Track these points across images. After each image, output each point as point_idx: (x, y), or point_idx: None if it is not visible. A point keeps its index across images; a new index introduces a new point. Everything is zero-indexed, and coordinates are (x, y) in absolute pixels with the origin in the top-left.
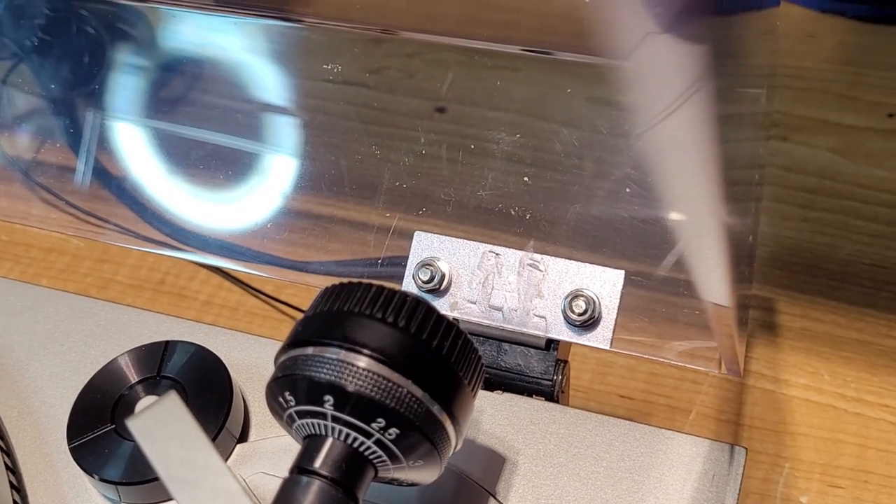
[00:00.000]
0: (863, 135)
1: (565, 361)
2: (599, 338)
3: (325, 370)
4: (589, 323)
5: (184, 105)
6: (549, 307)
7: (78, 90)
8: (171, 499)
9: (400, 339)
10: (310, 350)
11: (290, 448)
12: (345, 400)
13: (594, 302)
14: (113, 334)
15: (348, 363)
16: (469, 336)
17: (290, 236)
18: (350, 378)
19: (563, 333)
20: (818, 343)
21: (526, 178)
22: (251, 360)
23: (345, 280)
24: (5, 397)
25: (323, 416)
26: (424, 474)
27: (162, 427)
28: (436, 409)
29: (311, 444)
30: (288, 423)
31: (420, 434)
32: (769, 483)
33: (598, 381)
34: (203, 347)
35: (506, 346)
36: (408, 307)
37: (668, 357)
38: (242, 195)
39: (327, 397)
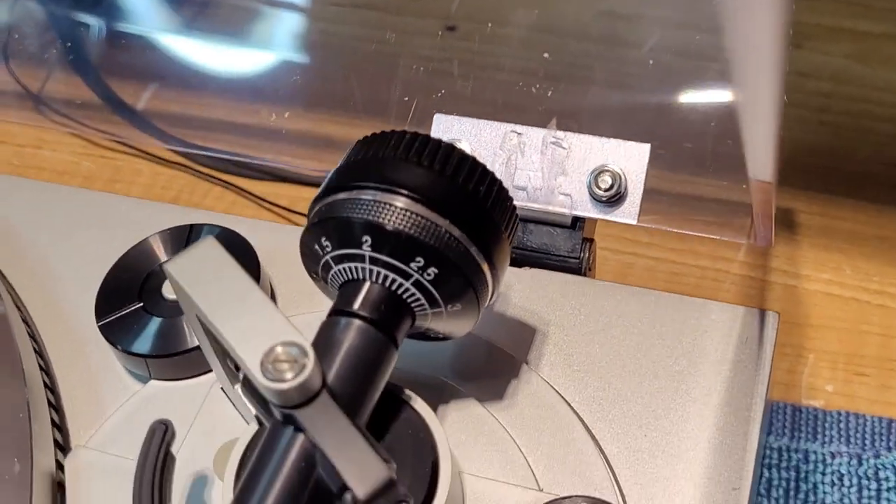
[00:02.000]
0: (878, 41)
1: (592, 240)
2: (626, 213)
3: (362, 210)
4: (615, 199)
5: (195, 17)
6: (574, 185)
7: (84, 8)
8: (199, 373)
9: (436, 181)
10: (345, 194)
11: (317, 324)
12: (383, 239)
13: (620, 177)
14: (138, 224)
15: (386, 203)
16: (503, 184)
17: (304, 151)
18: (388, 217)
19: (588, 210)
20: (839, 240)
21: (546, 55)
22: (275, 245)
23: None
24: (30, 286)
25: (361, 258)
26: (460, 323)
27: (201, 267)
28: (473, 249)
29: (348, 288)
30: (324, 273)
31: (459, 273)
32: (794, 374)
33: (618, 282)
34: (229, 229)
35: (531, 226)
36: (442, 152)
37: (697, 229)
38: (255, 108)
39: (365, 238)
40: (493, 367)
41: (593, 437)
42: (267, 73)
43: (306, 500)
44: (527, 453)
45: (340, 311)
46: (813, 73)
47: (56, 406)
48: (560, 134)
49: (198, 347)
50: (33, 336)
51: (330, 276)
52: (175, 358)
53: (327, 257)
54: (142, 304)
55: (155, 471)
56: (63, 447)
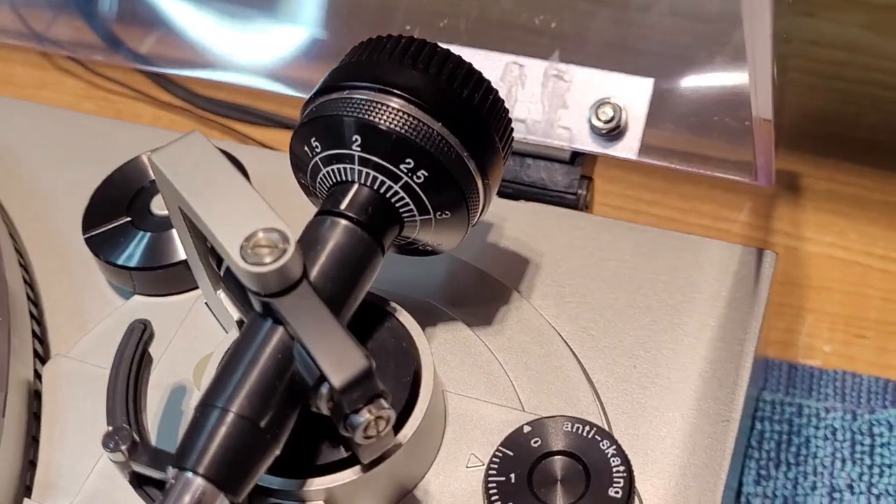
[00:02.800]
0: (892, 12)
1: (590, 178)
2: (626, 147)
3: (354, 109)
4: (615, 132)
5: None
6: (575, 118)
7: None
8: (183, 290)
9: (431, 84)
10: (337, 94)
11: None
12: (374, 139)
13: (621, 110)
14: (131, 147)
15: (379, 102)
16: (499, 94)
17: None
18: (381, 116)
19: (588, 144)
20: (844, 204)
21: None
22: (268, 170)
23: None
24: (19, 202)
25: (350, 158)
26: (449, 235)
27: (186, 157)
28: (465, 155)
29: (336, 190)
30: (312, 179)
31: (448, 178)
32: (792, 333)
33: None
34: (224, 150)
35: (529, 160)
36: (439, 56)
37: (698, 166)
38: (257, 38)
39: (355, 137)
40: (483, 294)
41: (581, 365)
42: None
43: (281, 392)
44: (512, 377)
45: (327, 211)
46: (825, 42)
47: (38, 319)
48: (562, 66)
49: (183, 261)
50: (19, 250)
51: (318, 179)
52: (160, 271)
53: (316, 159)
54: (129, 219)
55: (131, 366)
56: (43, 358)
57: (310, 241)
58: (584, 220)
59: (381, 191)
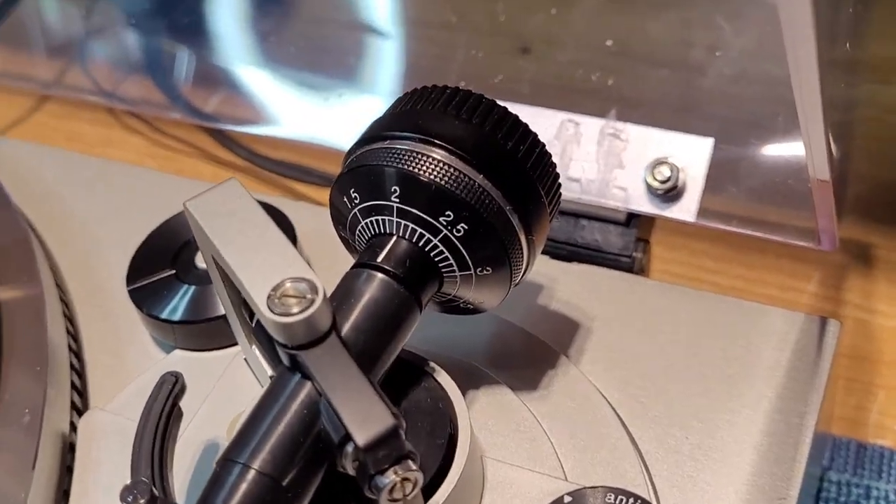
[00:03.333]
0: None
1: (647, 241)
2: (684, 209)
3: (394, 160)
4: (672, 193)
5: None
6: (631, 178)
7: (160, 20)
8: (224, 345)
9: (474, 135)
10: (379, 144)
11: None
12: (413, 190)
13: (679, 170)
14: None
15: (418, 152)
16: (546, 148)
17: None
18: (419, 166)
19: (644, 205)
20: None
21: (609, 42)
22: (315, 227)
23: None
24: (69, 252)
25: (389, 210)
26: (490, 292)
27: (221, 205)
28: (508, 209)
29: (374, 242)
30: (351, 230)
31: (489, 231)
32: (862, 410)
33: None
34: (269, 204)
35: (583, 221)
36: (483, 107)
37: (759, 230)
38: (328, 114)
39: (394, 188)
40: (529, 357)
41: (630, 435)
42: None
43: (306, 449)
44: (556, 445)
45: (363, 263)
46: None
47: (79, 371)
48: (619, 125)
49: (224, 316)
50: (64, 301)
51: (357, 232)
52: (201, 325)
53: (355, 210)
54: (174, 272)
55: (160, 420)
56: (80, 411)
57: (344, 293)
58: (638, 284)
59: (420, 244)
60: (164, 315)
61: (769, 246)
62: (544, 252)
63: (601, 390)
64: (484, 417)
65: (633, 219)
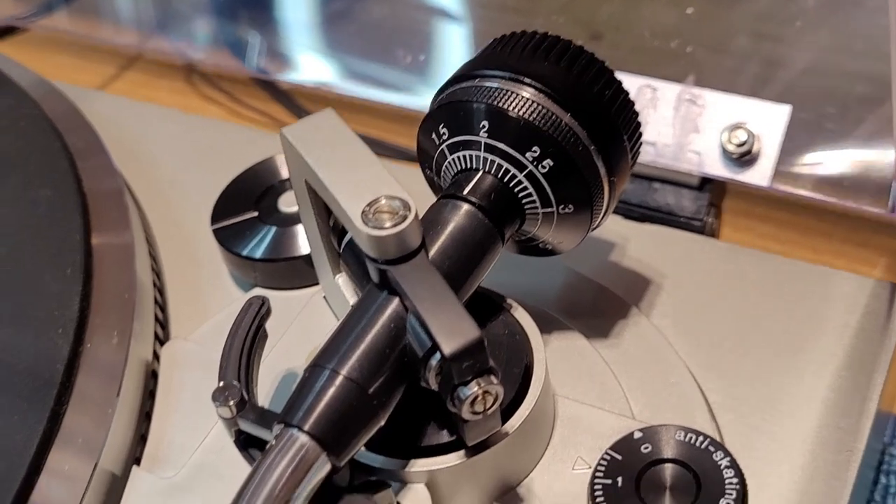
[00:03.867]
0: None
1: (718, 206)
2: (758, 174)
3: (484, 97)
4: (747, 158)
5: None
6: (706, 143)
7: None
8: (303, 285)
9: (563, 77)
10: (469, 83)
11: None
12: (501, 126)
13: (755, 136)
14: (263, 152)
15: (508, 90)
16: (630, 97)
17: None
18: (508, 103)
19: (719, 169)
20: None
21: (689, 10)
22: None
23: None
24: (153, 197)
25: (476, 145)
26: (570, 232)
27: (317, 132)
28: (593, 149)
29: (460, 177)
30: (437, 166)
31: (574, 169)
32: None
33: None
34: None
35: (657, 184)
36: (572, 52)
37: (831, 195)
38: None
39: (483, 123)
40: (600, 307)
41: (698, 384)
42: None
43: (392, 361)
44: (626, 388)
45: (450, 195)
46: None
47: (162, 305)
48: (696, 90)
49: (304, 256)
50: (150, 240)
51: (444, 168)
52: (281, 264)
53: (443, 146)
54: (257, 214)
55: (248, 334)
56: (162, 342)
57: (431, 221)
58: (709, 245)
59: (505, 180)
60: (245, 252)
61: (842, 218)
62: (617, 212)
63: (671, 342)
64: (556, 360)
65: (706, 183)
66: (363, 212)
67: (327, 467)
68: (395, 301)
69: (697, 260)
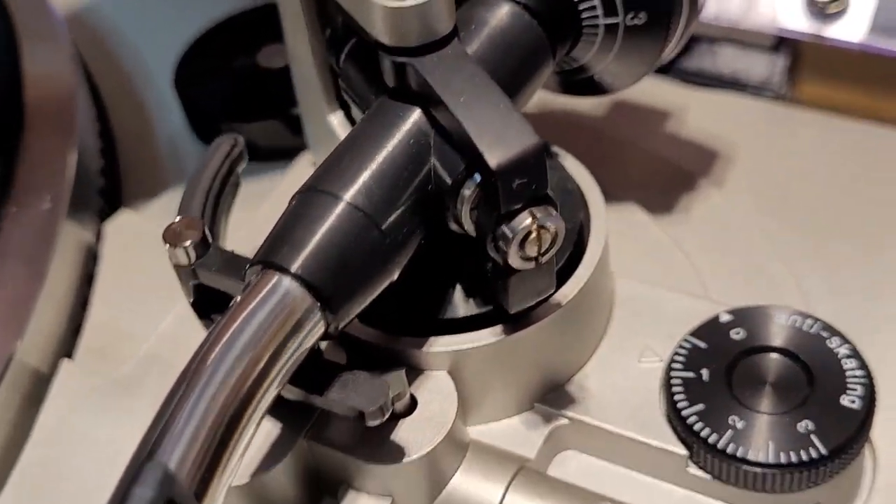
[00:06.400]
0: None
1: (796, 69)
2: (851, 28)
3: None
4: (837, 9)
5: None
6: None
7: None
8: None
9: None
10: None
11: None
12: None
13: None
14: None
15: None
16: None
17: None
18: None
19: (801, 24)
20: None
21: None
22: None
23: None
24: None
25: None
26: (632, 59)
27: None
28: None
29: None
30: None
31: None
32: None
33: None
34: None
35: (719, 46)
36: None
37: None
38: None
39: None
40: (663, 181)
41: (785, 265)
42: None
43: (411, 190)
44: (700, 267)
45: None
46: None
47: (108, 172)
48: None
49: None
50: (97, 93)
51: None
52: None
53: None
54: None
55: (218, 171)
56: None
57: (464, 20)
58: (783, 112)
59: None
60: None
61: None
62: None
63: (747, 216)
64: (614, 238)
65: (781, 43)
66: None
67: (321, 327)
68: (416, 112)
69: (775, 130)
